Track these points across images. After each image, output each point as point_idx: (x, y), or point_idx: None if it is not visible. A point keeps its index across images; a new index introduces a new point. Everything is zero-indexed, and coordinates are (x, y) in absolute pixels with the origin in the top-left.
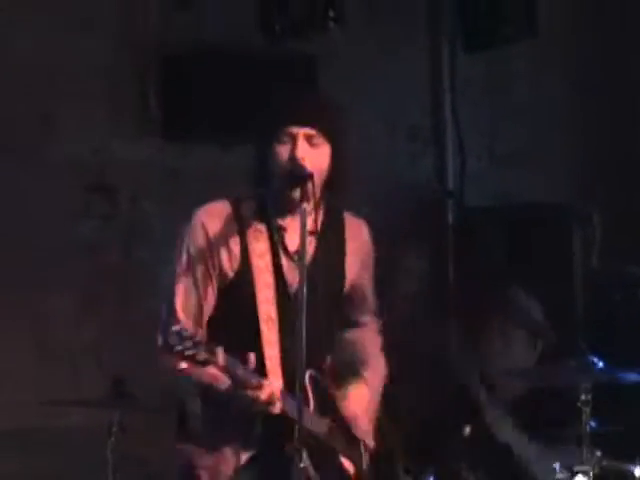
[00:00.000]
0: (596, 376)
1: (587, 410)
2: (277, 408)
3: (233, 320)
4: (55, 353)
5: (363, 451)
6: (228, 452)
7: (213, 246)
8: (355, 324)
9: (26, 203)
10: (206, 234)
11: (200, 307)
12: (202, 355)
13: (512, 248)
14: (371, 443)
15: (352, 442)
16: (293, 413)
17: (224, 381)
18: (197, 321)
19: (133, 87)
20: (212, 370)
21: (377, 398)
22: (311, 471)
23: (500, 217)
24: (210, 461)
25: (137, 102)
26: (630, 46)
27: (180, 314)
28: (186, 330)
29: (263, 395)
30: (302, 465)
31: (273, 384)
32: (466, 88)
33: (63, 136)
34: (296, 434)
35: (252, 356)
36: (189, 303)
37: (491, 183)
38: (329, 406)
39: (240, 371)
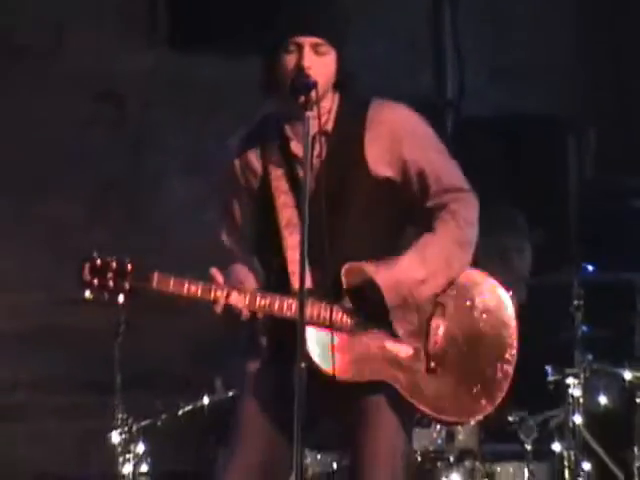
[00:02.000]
0: (587, 279)
1: (579, 315)
2: (245, 313)
3: (262, 229)
4: (67, 256)
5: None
6: (255, 355)
7: (238, 169)
8: (432, 211)
9: (39, 110)
10: (235, 160)
11: (240, 228)
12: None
13: (508, 158)
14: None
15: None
16: (304, 312)
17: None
18: (243, 244)
19: (144, 9)
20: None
21: (444, 269)
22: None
23: (497, 128)
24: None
25: (146, 14)
26: None
27: (224, 238)
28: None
29: (218, 306)
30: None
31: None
32: (473, 7)
33: (74, 46)
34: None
35: (214, 271)
36: (232, 228)
37: (490, 95)
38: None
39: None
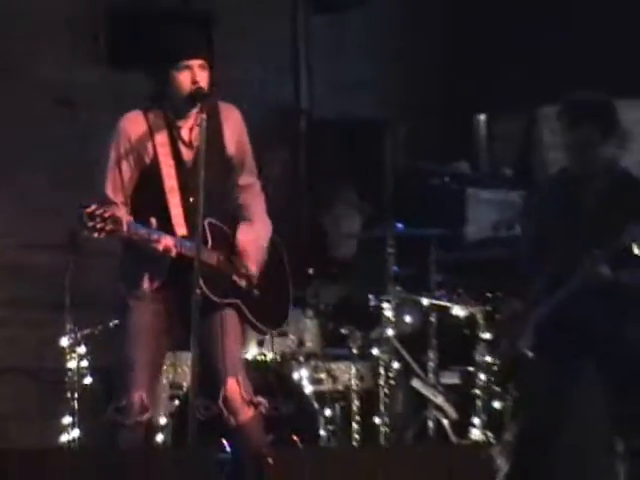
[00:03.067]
0: (398, 234)
1: (391, 258)
2: (173, 253)
3: (149, 193)
4: (32, 213)
5: (250, 271)
6: (145, 281)
7: (132, 143)
8: (242, 187)
9: (11, 109)
10: (127, 136)
11: (124, 189)
12: (109, 226)
13: (346, 150)
14: (253, 268)
15: (240, 266)
16: (191, 252)
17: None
18: (123, 198)
19: (90, 31)
20: (125, 233)
21: (262, 242)
22: (206, 291)
23: (338, 128)
24: (133, 290)
25: (91, 37)
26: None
27: (110, 194)
28: (98, 210)
29: (160, 246)
30: (198, 291)
31: (167, 239)
32: (317, 37)
33: (41, 61)
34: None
35: (153, 220)
36: (116, 187)
37: (333, 104)
38: (225, 243)
39: (142, 231)
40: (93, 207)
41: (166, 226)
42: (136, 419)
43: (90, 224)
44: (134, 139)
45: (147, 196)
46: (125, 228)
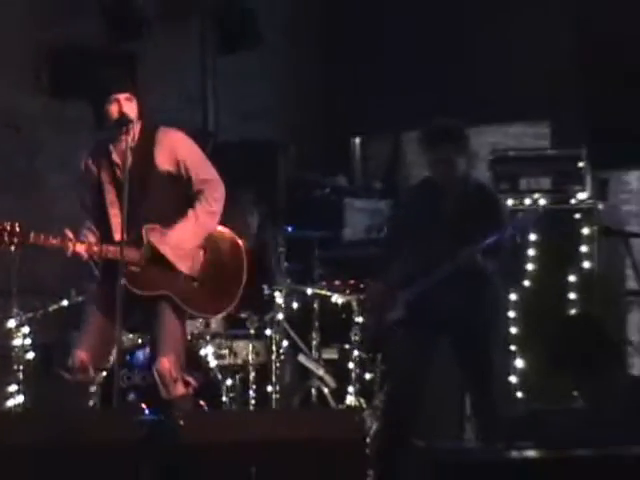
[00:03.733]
0: (287, 235)
1: (282, 256)
2: (85, 255)
3: (97, 205)
4: None
5: (178, 262)
6: (86, 280)
7: (86, 169)
8: (192, 196)
9: None
10: (85, 164)
11: (86, 203)
12: (15, 239)
13: (247, 166)
14: (185, 269)
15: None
16: (109, 252)
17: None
18: (87, 212)
19: (33, 67)
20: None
21: (187, 243)
22: (128, 285)
23: (240, 149)
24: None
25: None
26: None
27: (81, 208)
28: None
29: (69, 251)
30: (122, 282)
31: (75, 244)
32: (222, 73)
33: None
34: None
35: (67, 230)
36: (84, 202)
37: (236, 129)
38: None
39: (95, 239)
40: (5, 225)
41: (107, 233)
42: (77, 376)
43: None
44: (87, 166)
45: (96, 208)
46: (31, 238)
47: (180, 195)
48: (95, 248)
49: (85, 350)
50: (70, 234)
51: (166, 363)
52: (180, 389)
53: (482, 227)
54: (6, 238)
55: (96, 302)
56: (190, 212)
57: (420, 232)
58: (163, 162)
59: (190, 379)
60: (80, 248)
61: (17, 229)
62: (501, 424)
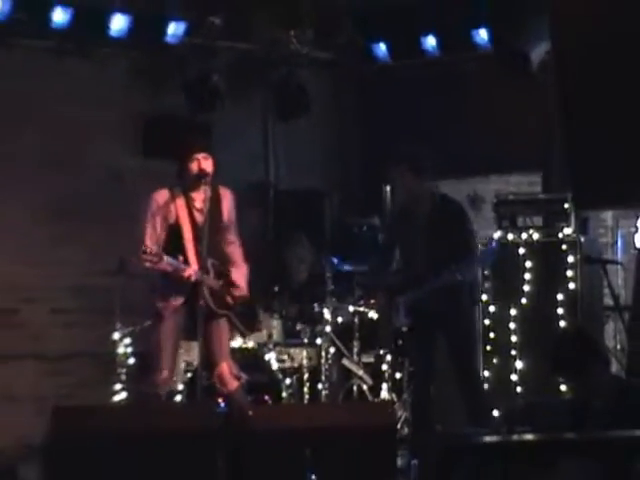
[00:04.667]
0: (334, 267)
1: (330, 281)
2: (193, 278)
3: (174, 242)
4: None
5: (237, 293)
6: (172, 298)
7: (161, 208)
8: (228, 241)
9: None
10: (157, 203)
11: (157, 238)
12: (155, 260)
13: (300, 211)
14: (243, 292)
15: (233, 290)
16: (202, 279)
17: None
18: (157, 244)
19: (133, 132)
20: (164, 265)
21: (246, 278)
22: (209, 303)
23: (295, 196)
24: (165, 303)
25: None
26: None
27: (147, 242)
28: (147, 249)
29: (185, 274)
30: (201, 303)
31: (189, 269)
32: (282, 136)
33: (100, 152)
34: (202, 289)
35: (180, 257)
36: (152, 237)
37: (292, 181)
38: (222, 276)
39: (175, 263)
40: (145, 248)
41: (185, 264)
42: (160, 390)
43: (145, 257)
44: (161, 206)
45: (173, 244)
46: (165, 261)
47: (225, 237)
48: (199, 274)
49: (167, 369)
50: (182, 259)
51: (225, 366)
52: (235, 384)
53: (450, 236)
54: (153, 258)
55: (172, 319)
56: (239, 256)
57: (402, 243)
58: (225, 213)
59: (242, 374)
60: (191, 272)
61: (157, 251)
62: (501, 411)
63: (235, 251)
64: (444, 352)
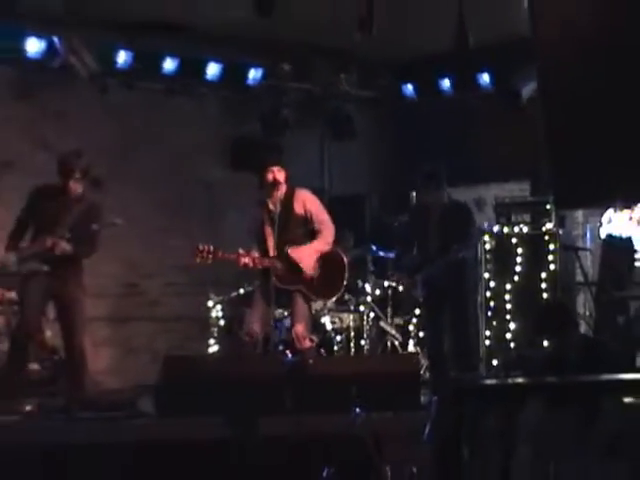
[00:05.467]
0: (373, 254)
1: (370, 266)
2: (250, 266)
3: (259, 234)
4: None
5: (305, 271)
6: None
7: (255, 212)
8: (315, 231)
9: (176, 194)
10: (254, 210)
11: (255, 234)
12: (207, 255)
13: (347, 210)
14: (309, 271)
15: (301, 269)
16: (269, 263)
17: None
18: (251, 236)
19: (221, 152)
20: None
21: (315, 254)
22: (276, 283)
23: (343, 200)
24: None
25: (224, 164)
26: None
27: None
28: (202, 247)
29: (240, 263)
30: (271, 289)
31: (244, 259)
32: (334, 153)
33: (199, 165)
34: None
35: (240, 251)
36: (250, 232)
37: (342, 188)
38: (286, 259)
39: (228, 255)
40: (201, 247)
41: (265, 251)
42: (250, 338)
43: (199, 254)
44: (256, 210)
45: (258, 236)
46: (220, 254)
47: (306, 229)
48: (257, 260)
49: (255, 322)
50: (242, 252)
51: (299, 327)
52: (307, 343)
53: (457, 230)
54: (205, 254)
55: (259, 292)
56: (313, 241)
57: (420, 236)
58: (298, 209)
59: (313, 337)
60: (246, 260)
61: (212, 249)
62: (499, 361)
63: (320, 227)
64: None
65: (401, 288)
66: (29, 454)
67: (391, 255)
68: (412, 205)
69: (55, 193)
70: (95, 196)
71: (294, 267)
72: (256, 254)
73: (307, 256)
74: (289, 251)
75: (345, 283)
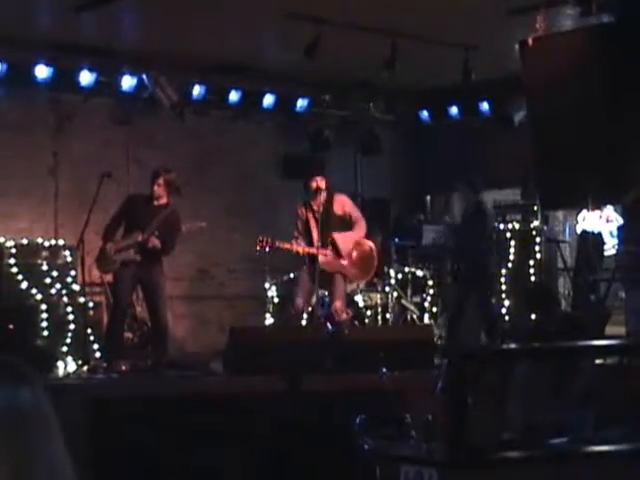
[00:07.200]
0: (397, 245)
1: (392, 253)
2: (301, 252)
3: (305, 229)
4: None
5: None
6: (304, 263)
7: (300, 212)
8: (351, 225)
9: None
10: (299, 212)
11: (299, 230)
12: (269, 245)
13: (375, 211)
14: (346, 254)
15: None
16: (312, 252)
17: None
18: (299, 234)
19: (274, 165)
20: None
21: (351, 242)
22: (324, 267)
23: (372, 203)
24: (302, 265)
25: (276, 172)
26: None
27: (295, 234)
28: (263, 239)
29: (294, 250)
30: (316, 271)
31: (297, 247)
32: (366, 166)
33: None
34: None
35: (303, 242)
36: (297, 227)
37: (371, 193)
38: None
39: (286, 245)
40: (261, 238)
41: (311, 242)
42: (297, 312)
43: (259, 243)
44: (301, 213)
45: (304, 231)
46: (277, 244)
47: (343, 226)
48: (307, 248)
49: (301, 297)
50: (294, 242)
51: (338, 303)
52: (344, 316)
53: (477, 228)
54: (264, 244)
55: (305, 274)
56: (350, 232)
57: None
58: (336, 210)
59: (349, 311)
60: (300, 248)
61: (270, 240)
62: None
63: (355, 223)
64: (474, 304)
65: (419, 272)
66: (129, 404)
67: (409, 246)
68: (428, 208)
69: (145, 200)
70: (175, 202)
71: (336, 254)
72: (303, 244)
73: (346, 241)
74: (334, 235)
75: (375, 269)
